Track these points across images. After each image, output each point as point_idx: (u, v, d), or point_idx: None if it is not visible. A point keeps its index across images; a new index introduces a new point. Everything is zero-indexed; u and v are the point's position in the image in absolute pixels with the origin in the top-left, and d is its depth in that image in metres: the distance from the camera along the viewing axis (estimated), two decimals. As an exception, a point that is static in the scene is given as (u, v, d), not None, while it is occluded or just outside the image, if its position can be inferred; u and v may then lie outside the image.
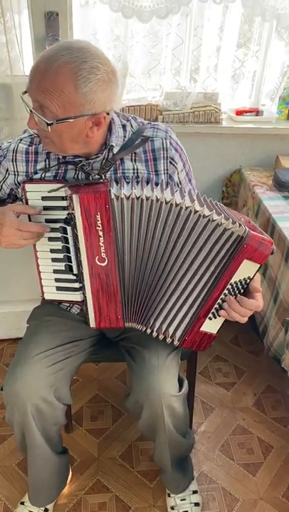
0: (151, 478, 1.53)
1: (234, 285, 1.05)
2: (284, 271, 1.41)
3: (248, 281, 1.05)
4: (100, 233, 1.03)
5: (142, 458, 1.60)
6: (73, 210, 1.04)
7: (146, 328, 1.12)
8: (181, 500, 1.41)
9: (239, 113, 1.87)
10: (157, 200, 1.02)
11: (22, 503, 1.40)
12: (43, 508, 1.38)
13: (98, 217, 1.02)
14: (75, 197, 1.01)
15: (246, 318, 1.07)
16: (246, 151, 1.90)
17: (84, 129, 1.02)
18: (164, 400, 1.13)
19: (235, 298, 1.05)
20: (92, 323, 1.12)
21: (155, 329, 1.12)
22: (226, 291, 1.05)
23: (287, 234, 1.40)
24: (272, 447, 1.65)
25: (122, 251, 1.06)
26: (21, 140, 1.17)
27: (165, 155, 1.15)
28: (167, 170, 1.16)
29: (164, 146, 1.15)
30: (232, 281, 1.04)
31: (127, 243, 1.05)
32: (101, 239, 1.04)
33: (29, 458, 1.27)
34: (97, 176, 1.10)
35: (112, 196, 1.01)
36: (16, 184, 1.18)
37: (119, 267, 1.07)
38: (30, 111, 1.00)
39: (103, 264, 1.06)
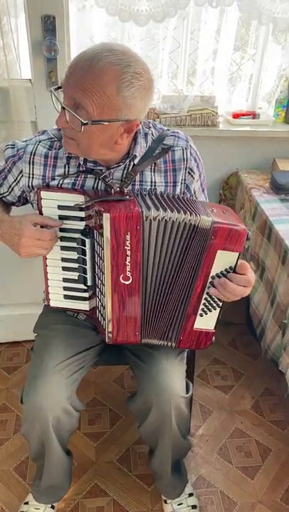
0: (149, 482, 1.52)
1: (216, 277, 1.05)
2: (281, 273, 1.41)
3: (231, 271, 1.05)
4: (128, 252, 1.02)
5: (140, 461, 1.59)
6: (97, 224, 1.03)
7: (167, 343, 1.13)
8: (179, 504, 1.40)
9: (236, 116, 1.88)
10: (176, 220, 1.02)
11: (26, 503, 1.40)
12: (49, 505, 1.38)
13: (128, 237, 1.01)
14: (105, 215, 0.98)
15: (238, 297, 1.07)
16: (243, 154, 1.90)
17: (115, 135, 1.01)
18: (173, 401, 1.13)
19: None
20: (109, 339, 1.11)
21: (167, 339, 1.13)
22: (209, 285, 1.06)
23: (284, 236, 1.40)
24: (271, 450, 1.65)
25: (146, 270, 1.06)
26: (40, 142, 1.14)
27: (185, 165, 1.15)
28: (185, 180, 1.16)
29: (185, 157, 1.14)
30: (213, 273, 1.05)
31: (150, 262, 1.05)
32: (128, 258, 1.03)
33: (46, 464, 1.27)
34: (118, 189, 1.09)
35: (144, 218, 1.00)
36: (29, 187, 1.16)
37: (143, 286, 1.06)
38: (63, 108, 0.97)
39: (127, 283, 1.05)
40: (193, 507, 1.41)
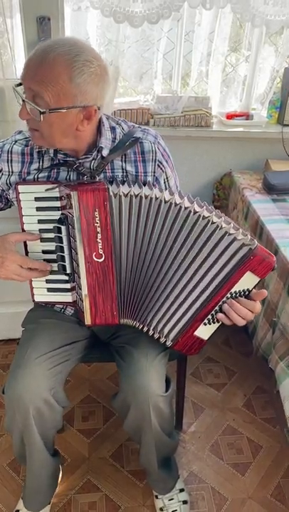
0: (141, 477, 1.54)
1: (234, 294, 1.06)
2: (271, 272, 1.43)
3: (247, 293, 1.06)
4: (98, 229, 1.05)
5: (132, 458, 1.61)
6: (70, 208, 1.05)
7: (144, 326, 1.14)
8: (169, 500, 1.42)
9: (230, 117, 1.90)
10: (156, 198, 1.04)
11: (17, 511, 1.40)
12: None
13: (96, 213, 1.04)
14: (73, 194, 1.02)
15: (245, 321, 1.07)
16: (237, 154, 1.93)
17: (75, 122, 1.04)
18: (151, 400, 1.14)
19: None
20: (88, 321, 1.12)
21: (152, 327, 1.13)
22: (224, 299, 1.06)
23: (275, 236, 1.42)
24: (262, 447, 1.66)
25: (119, 247, 1.08)
26: (16, 142, 1.19)
27: (154, 157, 1.18)
28: (154, 172, 1.19)
29: (153, 149, 1.18)
30: (232, 290, 1.05)
31: (124, 239, 1.07)
32: (99, 235, 1.05)
33: (28, 463, 1.27)
34: (89, 178, 1.12)
35: (111, 193, 1.03)
36: (7, 184, 1.20)
37: (116, 263, 1.08)
38: (23, 101, 1.01)
39: (100, 260, 1.07)
40: (184, 502, 1.43)
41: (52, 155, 1.15)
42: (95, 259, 1.07)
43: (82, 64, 0.98)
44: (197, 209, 1.02)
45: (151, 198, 1.04)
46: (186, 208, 1.03)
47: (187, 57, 1.84)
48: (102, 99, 1.06)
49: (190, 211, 1.02)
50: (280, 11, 1.64)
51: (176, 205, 1.03)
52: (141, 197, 1.04)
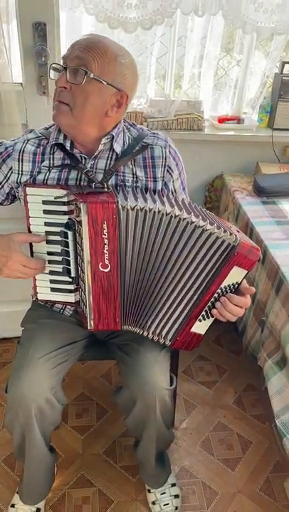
0: (133, 473, 1.58)
1: (224, 289, 1.10)
2: (261, 273, 1.47)
3: (236, 286, 1.11)
4: (106, 241, 1.06)
5: (125, 454, 1.64)
6: (77, 216, 1.07)
7: (144, 331, 1.16)
8: (161, 494, 1.46)
9: (221, 121, 1.94)
10: (159, 211, 1.06)
11: (13, 506, 1.42)
12: (34, 509, 1.41)
13: (105, 225, 1.05)
14: (83, 205, 1.03)
15: (235, 317, 1.12)
16: (228, 157, 1.97)
17: (108, 103, 1.09)
18: (157, 393, 1.17)
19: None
20: (91, 326, 1.14)
21: (151, 331, 1.16)
22: (216, 295, 1.10)
23: (264, 238, 1.46)
24: (251, 443, 1.71)
25: (124, 258, 1.10)
26: (28, 141, 1.20)
27: (163, 163, 1.21)
28: (163, 177, 1.22)
29: (163, 155, 1.20)
30: (222, 285, 1.09)
31: (129, 250, 1.09)
32: (106, 246, 1.07)
33: (27, 459, 1.30)
34: (99, 184, 1.14)
35: (119, 207, 1.05)
36: (17, 183, 1.21)
37: (121, 273, 1.10)
38: (65, 68, 1.06)
39: (106, 270, 1.09)
40: (176, 496, 1.47)
41: (68, 148, 1.16)
42: (101, 269, 1.09)
43: (126, 52, 1.11)
44: (194, 219, 1.06)
45: (154, 212, 1.06)
46: (184, 219, 1.06)
47: (180, 61, 1.88)
48: (133, 92, 1.14)
49: (188, 222, 1.06)
50: (269, 18, 1.68)
51: (175, 216, 1.06)
52: (146, 211, 1.06)
